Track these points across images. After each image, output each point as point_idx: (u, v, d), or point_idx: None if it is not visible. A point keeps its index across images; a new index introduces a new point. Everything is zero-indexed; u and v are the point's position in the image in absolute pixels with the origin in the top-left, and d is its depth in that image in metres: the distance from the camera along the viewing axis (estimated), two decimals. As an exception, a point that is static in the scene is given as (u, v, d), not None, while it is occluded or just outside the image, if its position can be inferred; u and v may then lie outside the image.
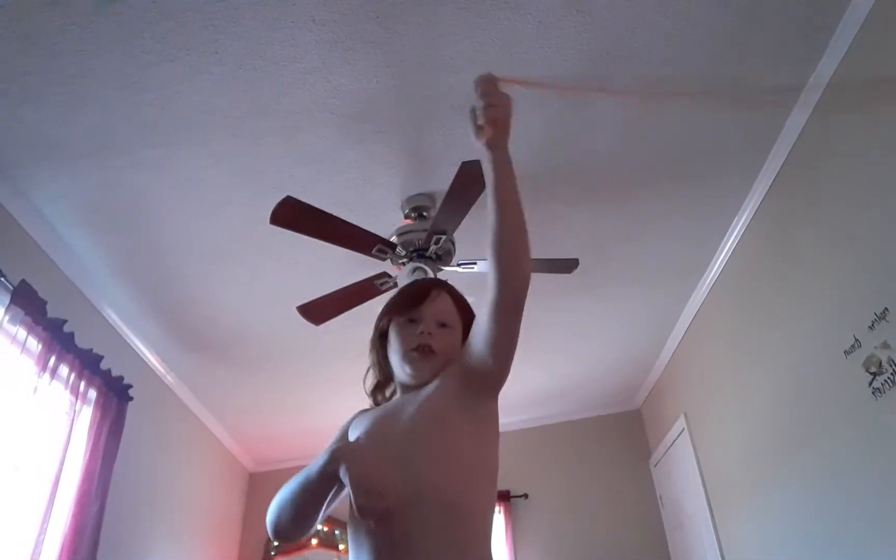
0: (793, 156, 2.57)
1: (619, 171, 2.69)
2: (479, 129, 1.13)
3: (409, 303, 1.32)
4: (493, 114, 1.12)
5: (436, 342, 1.27)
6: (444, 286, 1.37)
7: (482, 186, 2.24)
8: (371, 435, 1.21)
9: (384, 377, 1.38)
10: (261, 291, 3.20)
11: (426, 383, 1.25)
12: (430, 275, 2.56)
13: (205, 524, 4.30)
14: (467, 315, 1.35)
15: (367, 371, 1.41)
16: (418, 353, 1.26)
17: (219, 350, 3.65)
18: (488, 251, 1.11)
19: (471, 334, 1.23)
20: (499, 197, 1.11)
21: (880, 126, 2.07)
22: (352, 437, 1.26)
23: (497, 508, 4.43)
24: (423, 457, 1.13)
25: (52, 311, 2.61)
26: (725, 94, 2.39)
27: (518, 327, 1.14)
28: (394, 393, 1.37)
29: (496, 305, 1.11)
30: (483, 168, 1.14)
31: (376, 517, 1.04)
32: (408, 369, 1.27)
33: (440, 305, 1.31)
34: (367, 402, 1.44)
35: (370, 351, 1.40)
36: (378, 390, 1.40)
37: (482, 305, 1.15)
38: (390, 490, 1.05)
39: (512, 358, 1.18)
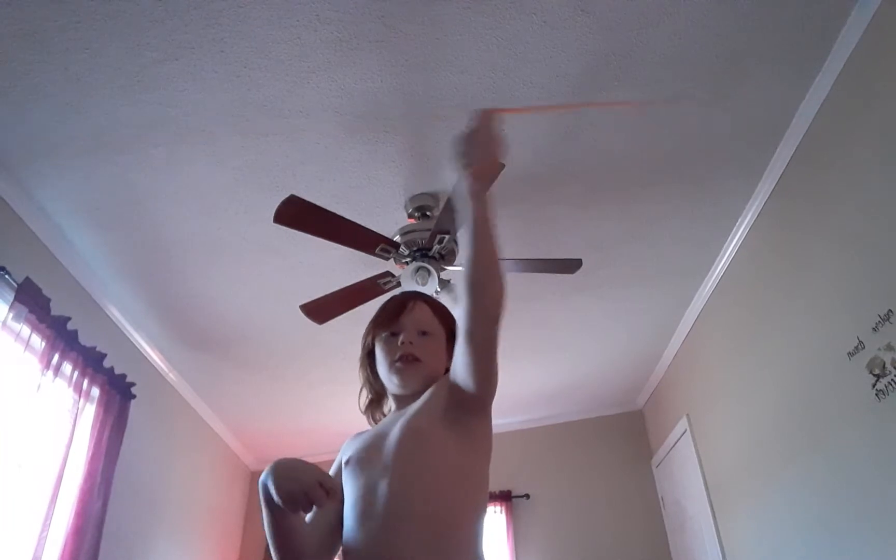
0: (797, 157, 2.56)
1: (622, 171, 2.69)
2: (461, 167, 1.20)
3: (389, 317, 1.36)
4: (484, 148, 1.20)
5: (418, 350, 1.31)
6: (421, 297, 1.40)
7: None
8: (362, 453, 1.24)
9: (376, 394, 1.41)
10: (264, 290, 3.21)
11: (418, 393, 1.28)
12: (434, 274, 2.56)
13: (206, 522, 4.31)
14: (448, 321, 1.39)
15: (361, 390, 1.43)
16: (402, 362, 1.30)
17: (221, 348, 3.66)
18: (462, 282, 1.15)
19: (454, 358, 1.25)
20: (476, 234, 1.15)
21: (885, 127, 2.07)
22: (344, 457, 1.28)
23: (498, 508, 4.44)
24: (408, 472, 1.15)
25: (56, 309, 2.61)
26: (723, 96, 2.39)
27: (493, 354, 1.17)
28: (391, 409, 1.40)
29: (470, 335, 1.14)
30: (459, 203, 1.21)
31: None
32: (395, 380, 1.31)
33: (418, 315, 1.35)
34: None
35: (359, 370, 1.43)
36: (373, 407, 1.42)
37: (458, 333, 1.18)
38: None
39: (493, 380, 1.19)
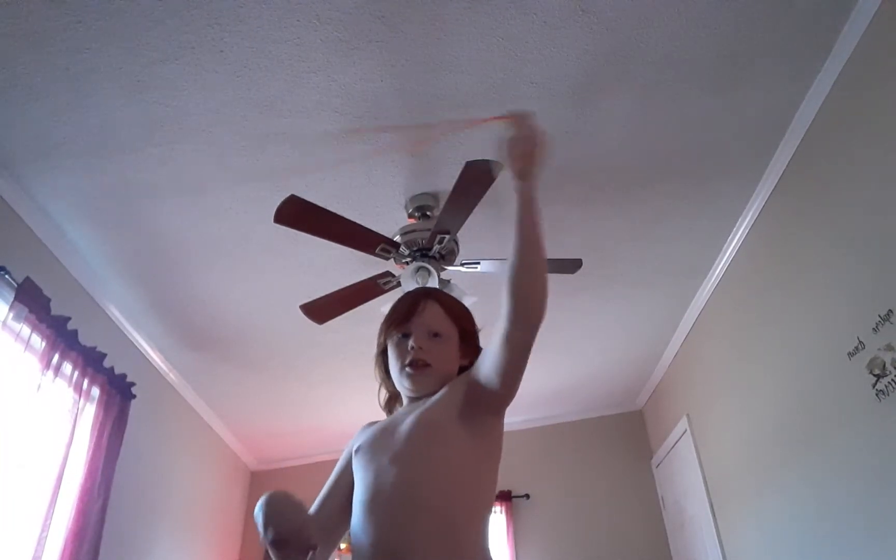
0: (797, 157, 2.57)
1: (622, 171, 2.69)
2: (509, 162, 1.18)
3: (400, 318, 1.33)
4: (521, 147, 1.19)
5: (428, 354, 1.28)
6: (434, 294, 1.37)
7: (486, 186, 2.25)
8: (372, 442, 1.23)
9: (392, 392, 1.40)
10: (264, 290, 3.21)
11: (430, 394, 1.26)
12: (434, 274, 2.56)
13: (206, 522, 4.31)
14: (461, 320, 1.35)
15: (379, 388, 1.42)
16: (412, 368, 1.27)
17: (222, 348, 3.65)
18: (504, 283, 1.12)
19: (482, 354, 1.24)
20: (521, 232, 1.13)
21: (885, 127, 2.07)
22: (355, 445, 1.28)
23: (499, 508, 4.44)
24: (417, 466, 1.15)
25: (56, 309, 2.61)
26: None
27: (527, 357, 1.15)
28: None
29: (507, 337, 1.12)
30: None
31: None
32: (406, 384, 1.29)
33: (429, 317, 1.31)
34: (367, 404, 1.45)
35: (374, 368, 1.41)
36: (391, 404, 1.41)
37: (495, 330, 1.16)
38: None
39: (518, 383, 1.19)
